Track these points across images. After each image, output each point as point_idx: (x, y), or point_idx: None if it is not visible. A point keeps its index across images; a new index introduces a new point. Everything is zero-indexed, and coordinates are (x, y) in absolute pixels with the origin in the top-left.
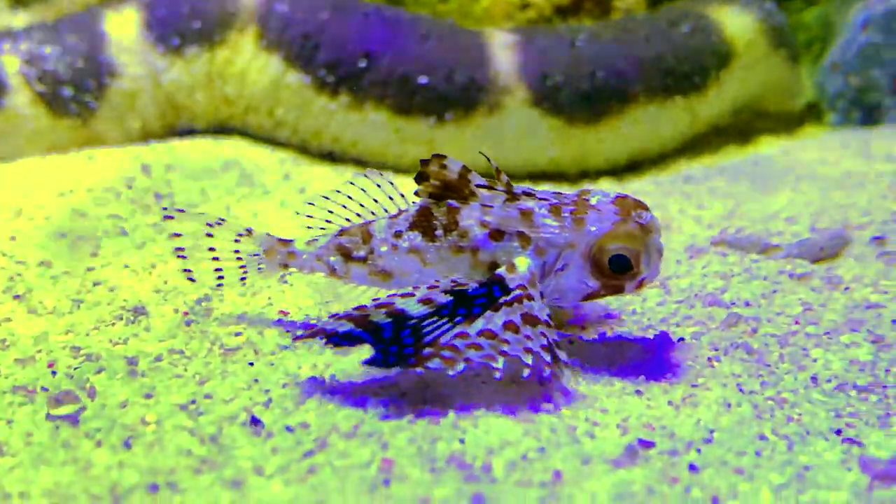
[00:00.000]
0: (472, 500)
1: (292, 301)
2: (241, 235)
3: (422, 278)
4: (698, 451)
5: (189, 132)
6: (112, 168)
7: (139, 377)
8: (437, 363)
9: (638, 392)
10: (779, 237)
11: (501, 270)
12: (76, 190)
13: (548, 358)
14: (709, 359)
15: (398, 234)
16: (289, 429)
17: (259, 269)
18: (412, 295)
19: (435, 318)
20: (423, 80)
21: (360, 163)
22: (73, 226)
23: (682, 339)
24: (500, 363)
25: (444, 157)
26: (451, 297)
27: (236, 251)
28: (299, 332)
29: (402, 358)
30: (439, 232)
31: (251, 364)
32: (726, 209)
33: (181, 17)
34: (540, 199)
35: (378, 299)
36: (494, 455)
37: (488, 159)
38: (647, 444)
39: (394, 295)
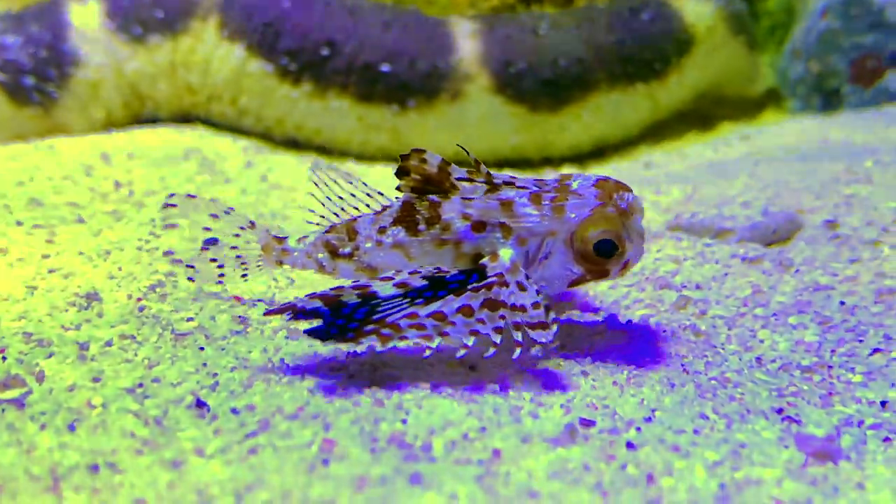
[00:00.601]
0: (410, 478)
1: (246, 287)
2: (242, 228)
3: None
4: (638, 429)
5: (153, 121)
6: (72, 157)
7: (89, 361)
8: (373, 339)
9: (584, 373)
10: (732, 221)
11: (485, 260)
12: (35, 178)
13: (497, 339)
14: (656, 340)
15: (382, 230)
16: (234, 411)
17: (258, 265)
18: (391, 278)
19: (399, 299)
20: (385, 67)
21: (323, 150)
22: (31, 214)
23: (630, 322)
24: (434, 343)
25: (423, 151)
26: (426, 282)
27: (234, 247)
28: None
29: (342, 331)
30: (422, 226)
31: (202, 349)
32: (684, 194)
33: (143, 6)
34: (520, 187)
35: (358, 281)
36: (436, 435)
37: (467, 152)
38: (588, 423)
39: (379, 278)
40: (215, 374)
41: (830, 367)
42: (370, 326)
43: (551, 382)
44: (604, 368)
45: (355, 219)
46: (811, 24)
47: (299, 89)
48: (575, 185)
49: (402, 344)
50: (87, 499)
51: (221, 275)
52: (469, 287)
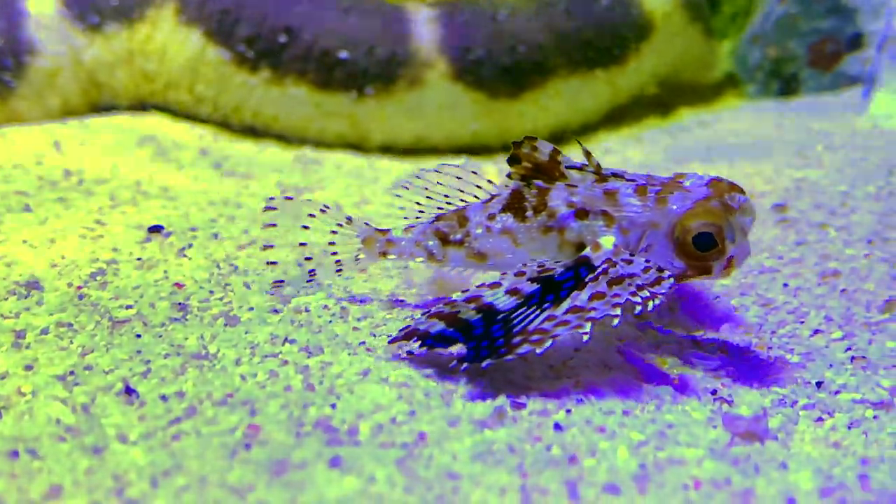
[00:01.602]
0: (330, 462)
1: (188, 273)
2: (339, 225)
3: (514, 258)
4: (568, 411)
5: (111, 109)
6: (24, 145)
7: (23, 349)
8: (527, 347)
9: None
10: None
11: (587, 251)
12: None
13: (638, 299)
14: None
15: (492, 217)
16: (163, 398)
17: (357, 259)
18: (500, 285)
19: (524, 309)
20: (343, 54)
21: (281, 138)
22: None
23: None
24: (587, 327)
25: (534, 139)
26: (538, 285)
27: (331, 242)
28: (393, 334)
29: (493, 350)
30: (529, 213)
31: (139, 336)
32: None
33: None
34: (628, 179)
35: (467, 291)
36: (364, 419)
37: (579, 143)
38: (520, 406)
39: (482, 286)
40: (148, 361)
41: (770, 347)
42: (517, 339)
43: (486, 367)
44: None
45: (465, 206)
46: (770, 9)
47: (257, 76)
48: (687, 183)
49: (548, 343)
50: (4, 484)
51: (312, 271)
52: (588, 280)
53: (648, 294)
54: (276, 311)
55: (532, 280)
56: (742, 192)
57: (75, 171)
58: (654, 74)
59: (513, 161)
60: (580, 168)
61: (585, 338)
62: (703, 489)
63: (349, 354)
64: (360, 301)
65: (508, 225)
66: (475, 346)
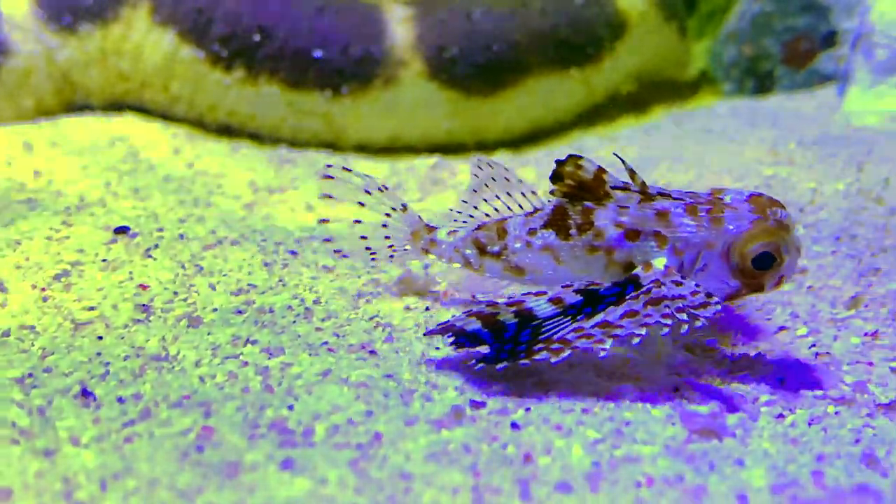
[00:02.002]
0: (282, 463)
1: (153, 275)
2: (394, 209)
3: (555, 275)
4: (528, 409)
5: (86, 109)
6: None
7: None
8: (544, 354)
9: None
10: None
11: (638, 269)
12: None
13: (668, 322)
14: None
15: (532, 232)
16: (120, 400)
17: (405, 249)
18: (544, 293)
19: (559, 318)
20: (317, 53)
21: (256, 137)
22: None
23: None
24: (607, 344)
25: (580, 157)
26: (581, 297)
27: (384, 225)
28: (430, 327)
29: (512, 354)
30: (574, 231)
31: (100, 338)
32: None
33: None
34: (675, 198)
35: (513, 296)
36: (320, 420)
37: (622, 160)
38: (479, 405)
39: (527, 293)
40: (108, 364)
41: (734, 344)
42: (539, 346)
43: (450, 366)
44: None
45: (506, 218)
46: (745, 7)
47: (231, 76)
48: (727, 199)
49: (565, 353)
50: None
51: (374, 254)
52: (627, 297)
53: (687, 316)
54: (240, 312)
55: (577, 292)
56: (782, 206)
57: (45, 171)
58: (629, 73)
59: (555, 179)
60: (624, 187)
61: (602, 353)
62: (656, 486)
63: (310, 355)
64: (326, 301)
65: (550, 242)
66: (498, 348)
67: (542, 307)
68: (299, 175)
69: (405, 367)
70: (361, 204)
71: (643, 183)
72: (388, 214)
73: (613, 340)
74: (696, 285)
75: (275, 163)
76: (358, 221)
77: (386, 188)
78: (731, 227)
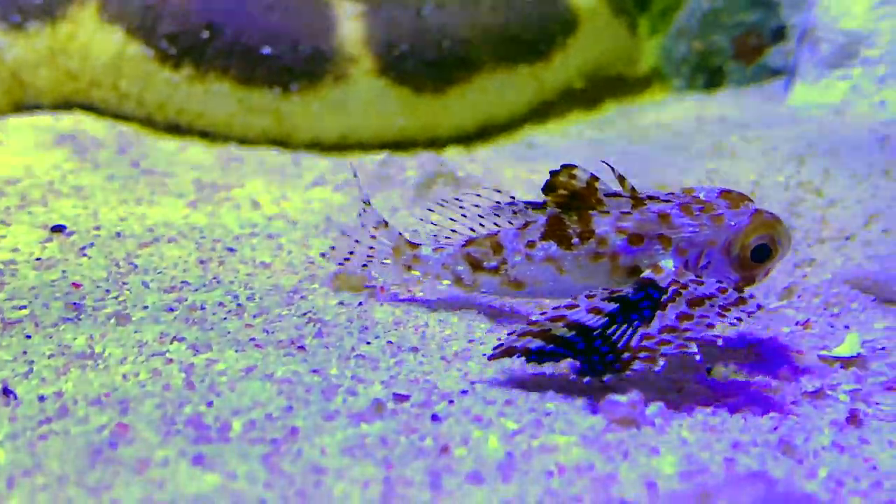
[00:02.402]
0: (192, 459)
1: (87, 273)
2: (374, 227)
3: (556, 286)
4: (451, 402)
5: (35, 108)
6: None
7: None
8: (640, 364)
9: (414, 349)
10: None
11: (649, 273)
12: None
13: (731, 317)
14: (488, 313)
15: (531, 244)
16: (41, 398)
17: (383, 263)
18: (576, 306)
19: (615, 326)
20: (267, 50)
21: (206, 135)
22: None
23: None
24: (694, 348)
25: (574, 166)
26: (617, 304)
27: (373, 235)
28: (489, 352)
29: (607, 365)
30: (576, 240)
31: (28, 337)
32: None
33: None
34: (664, 200)
35: (546, 313)
36: (239, 416)
37: (611, 168)
38: (402, 398)
39: (558, 308)
40: (32, 362)
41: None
42: (627, 354)
43: (375, 361)
44: (434, 343)
45: (495, 233)
46: (695, 3)
47: (179, 73)
48: (702, 195)
49: (662, 362)
50: None
51: (341, 263)
52: (665, 300)
53: (737, 315)
54: (171, 310)
55: (607, 300)
56: (751, 200)
57: None
58: (580, 69)
59: (549, 189)
60: (615, 194)
61: (697, 357)
62: (566, 475)
63: (236, 351)
64: (260, 298)
65: (552, 253)
66: (586, 359)
67: (587, 318)
68: (248, 172)
69: (333, 362)
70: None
71: (633, 188)
72: (375, 226)
73: (691, 343)
74: (719, 281)
75: (223, 160)
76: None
77: (367, 202)
78: (732, 223)
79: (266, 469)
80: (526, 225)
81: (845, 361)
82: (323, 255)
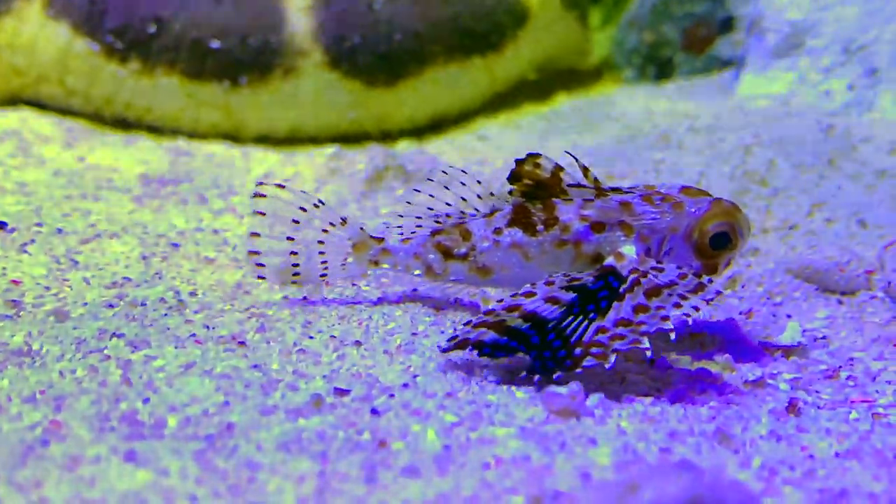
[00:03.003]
0: (125, 455)
1: (27, 270)
2: (332, 224)
3: (523, 273)
4: (391, 395)
5: None
6: None
7: None
8: (591, 361)
9: (357, 343)
10: None
11: (610, 260)
12: None
13: (689, 306)
14: (432, 306)
15: (498, 231)
16: None
17: (343, 264)
18: (534, 293)
19: (570, 318)
20: (215, 44)
21: (154, 129)
22: None
23: (415, 290)
24: (646, 342)
25: (538, 155)
26: (575, 294)
27: (320, 241)
28: (433, 345)
29: (558, 362)
30: (541, 227)
31: None
32: (506, 165)
33: None
34: (626, 191)
35: (503, 300)
36: (175, 412)
37: (575, 158)
38: (343, 392)
39: (516, 295)
40: None
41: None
42: (579, 349)
43: (317, 356)
44: (377, 337)
45: (463, 221)
46: None
47: (126, 68)
48: (662, 190)
49: (612, 358)
50: None
51: (296, 273)
52: (622, 291)
53: (694, 304)
54: (111, 306)
55: (565, 288)
56: (709, 195)
57: None
58: (532, 61)
59: (514, 179)
60: (578, 185)
61: (648, 353)
62: (503, 467)
63: (175, 348)
64: (203, 293)
65: (518, 239)
66: (538, 355)
67: (543, 308)
68: (196, 167)
69: (274, 357)
70: (296, 221)
71: (595, 179)
72: (324, 230)
73: (646, 338)
74: (678, 267)
75: (171, 155)
76: (290, 239)
77: (322, 203)
78: (692, 210)
79: (199, 465)
80: (493, 213)
81: (786, 350)
82: (260, 265)
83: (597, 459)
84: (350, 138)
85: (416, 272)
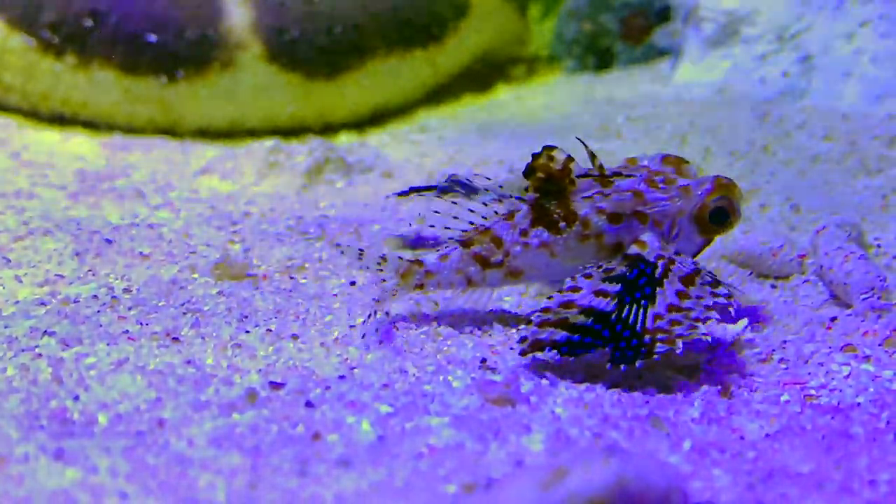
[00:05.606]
0: (54, 454)
1: None
2: (377, 266)
3: (548, 270)
4: (327, 387)
5: None
6: None
7: None
8: (662, 347)
9: (294, 336)
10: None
11: (634, 248)
12: None
13: (727, 299)
14: (374, 299)
15: (524, 233)
16: None
17: (394, 294)
18: (579, 288)
19: (627, 309)
20: (152, 37)
21: (91, 125)
22: None
23: (353, 283)
24: (703, 328)
25: (553, 147)
26: (619, 285)
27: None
28: (523, 346)
29: (636, 350)
30: (563, 224)
31: None
32: (447, 156)
33: None
34: (627, 175)
35: (556, 297)
36: (106, 409)
37: (584, 144)
38: (278, 386)
39: (565, 292)
40: None
41: None
42: (647, 337)
43: (253, 350)
44: (314, 330)
45: (487, 227)
46: None
47: (63, 62)
48: (645, 161)
49: (681, 343)
50: None
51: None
52: (658, 277)
53: (724, 299)
54: (43, 304)
55: (607, 280)
56: (689, 162)
57: None
58: (473, 52)
59: (530, 173)
60: (587, 174)
61: (709, 338)
62: (436, 457)
63: (108, 344)
64: (137, 290)
65: (545, 239)
66: (615, 347)
67: (595, 301)
68: (133, 162)
69: (209, 352)
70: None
71: (601, 166)
72: (379, 270)
73: (702, 323)
74: (694, 263)
75: (108, 150)
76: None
77: (363, 251)
78: (699, 193)
79: (129, 462)
80: (510, 214)
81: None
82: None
83: (530, 446)
84: (290, 132)
85: (459, 290)
